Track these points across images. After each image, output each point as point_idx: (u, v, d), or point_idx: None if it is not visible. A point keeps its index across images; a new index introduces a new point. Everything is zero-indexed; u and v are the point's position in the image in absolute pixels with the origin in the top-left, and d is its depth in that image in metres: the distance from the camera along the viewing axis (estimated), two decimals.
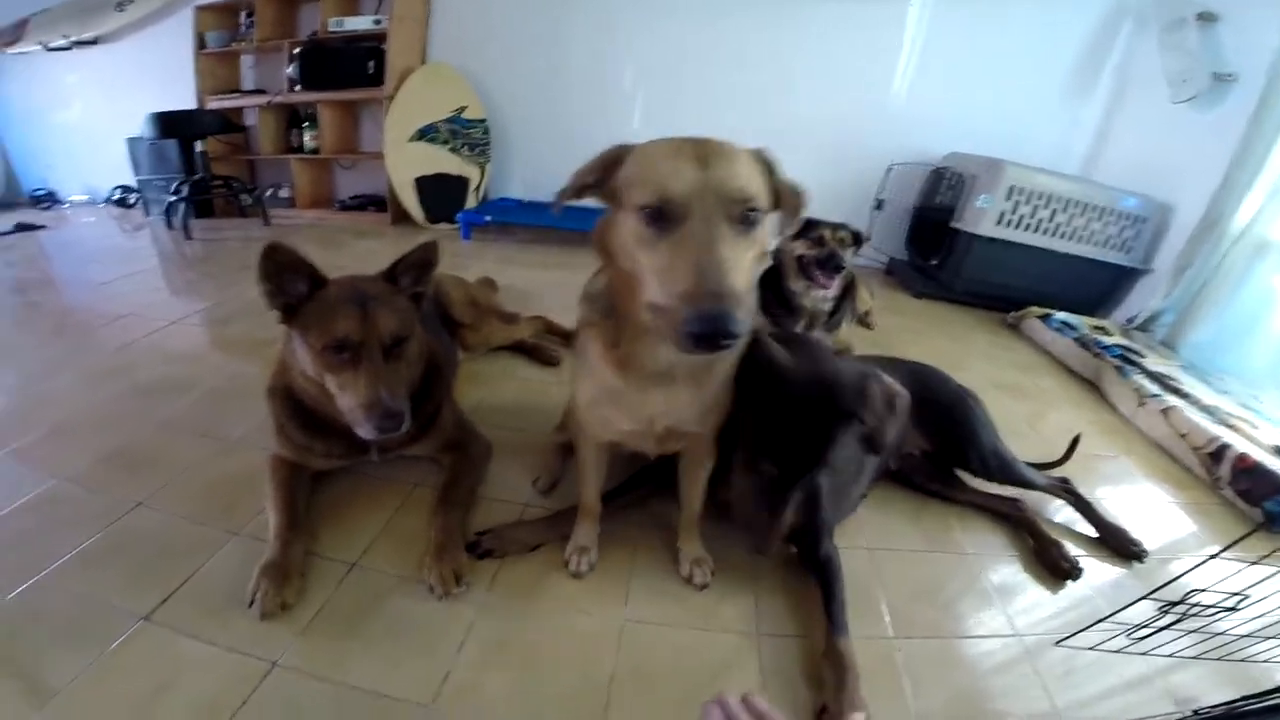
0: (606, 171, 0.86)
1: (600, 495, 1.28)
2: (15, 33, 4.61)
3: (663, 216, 0.75)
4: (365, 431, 1.13)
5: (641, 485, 1.42)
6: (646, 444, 1.10)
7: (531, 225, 3.93)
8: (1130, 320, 2.88)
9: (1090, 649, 1.11)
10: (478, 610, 1.13)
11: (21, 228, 3.90)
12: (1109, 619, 1.04)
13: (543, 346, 2.13)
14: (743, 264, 0.75)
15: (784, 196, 0.88)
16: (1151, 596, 1.00)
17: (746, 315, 0.72)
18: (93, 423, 1.65)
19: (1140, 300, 3.01)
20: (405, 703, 0.96)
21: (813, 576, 1.19)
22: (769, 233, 0.86)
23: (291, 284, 1.16)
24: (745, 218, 0.77)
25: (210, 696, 0.94)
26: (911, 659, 1.11)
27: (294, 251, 1.14)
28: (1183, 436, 1.85)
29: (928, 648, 1.14)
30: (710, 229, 0.73)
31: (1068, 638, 1.13)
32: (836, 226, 2.16)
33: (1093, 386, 2.34)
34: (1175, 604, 0.95)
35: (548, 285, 2.86)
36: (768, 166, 0.86)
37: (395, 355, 1.18)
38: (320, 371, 1.15)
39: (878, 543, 1.38)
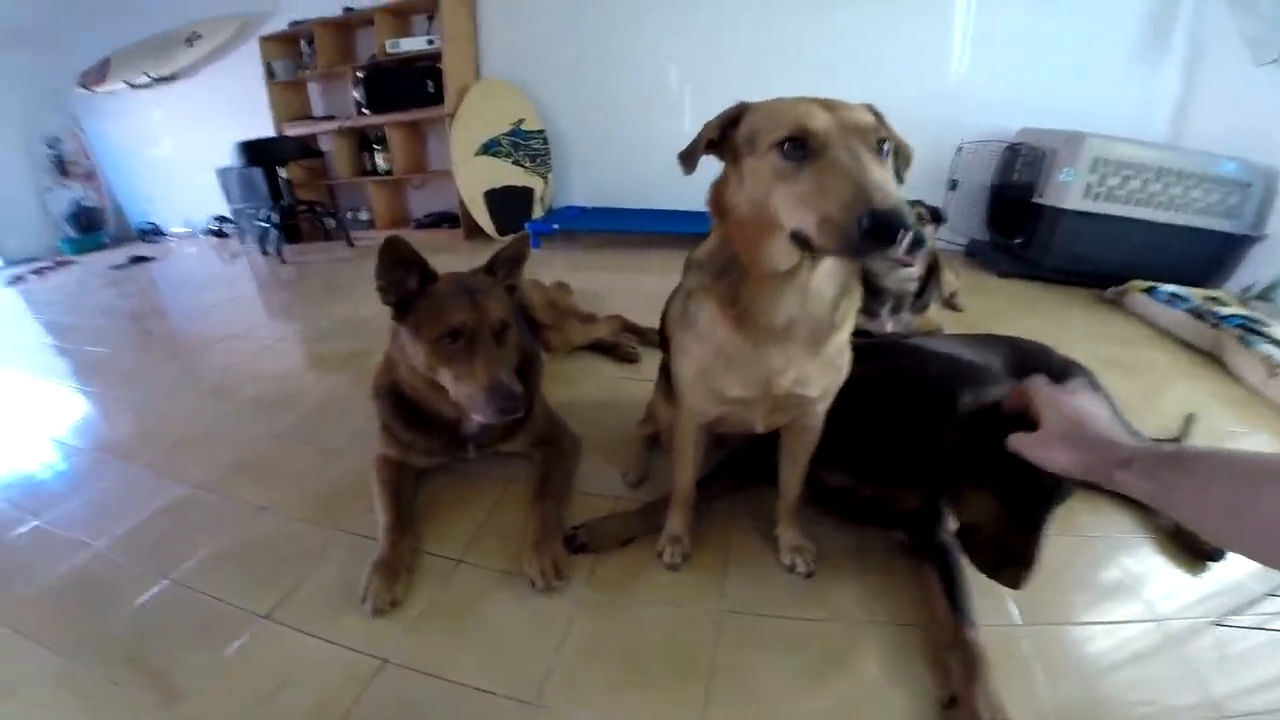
0: (725, 129, 0.87)
1: (695, 482, 1.25)
2: (100, 72, 4.97)
3: (804, 149, 0.75)
4: (486, 415, 1.15)
5: (731, 474, 1.39)
6: (755, 414, 1.05)
7: (597, 231, 3.98)
8: (1247, 289, 2.67)
9: (1254, 629, 1.01)
10: (576, 605, 1.13)
11: (135, 260, 4.23)
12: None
13: (622, 344, 2.15)
14: (889, 180, 0.73)
15: (898, 146, 0.87)
16: None
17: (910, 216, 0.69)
18: (211, 436, 1.77)
19: (1255, 269, 2.79)
20: (510, 700, 0.96)
21: (930, 564, 1.13)
22: None
23: (404, 279, 1.20)
24: (880, 148, 0.77)
25: (325, 693, 0.97)
26: (1041, 647, 1.04)
27: (409, 245, 1.18)
28: None
29: (1059, 635, 1.07)
30: (858, 152, 0.73)
31: (1226, 616, 1.04)
32: (914, 203, 2.09)
33: (1211, 359, 2.16)
34: None
35: (617, 287, 2.90)
36: (877, 115, 0.85)
37: (503, 342, 1.22)
38: (433, 364, 1.18)
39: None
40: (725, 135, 0.87)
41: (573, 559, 1.22)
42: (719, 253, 0.95)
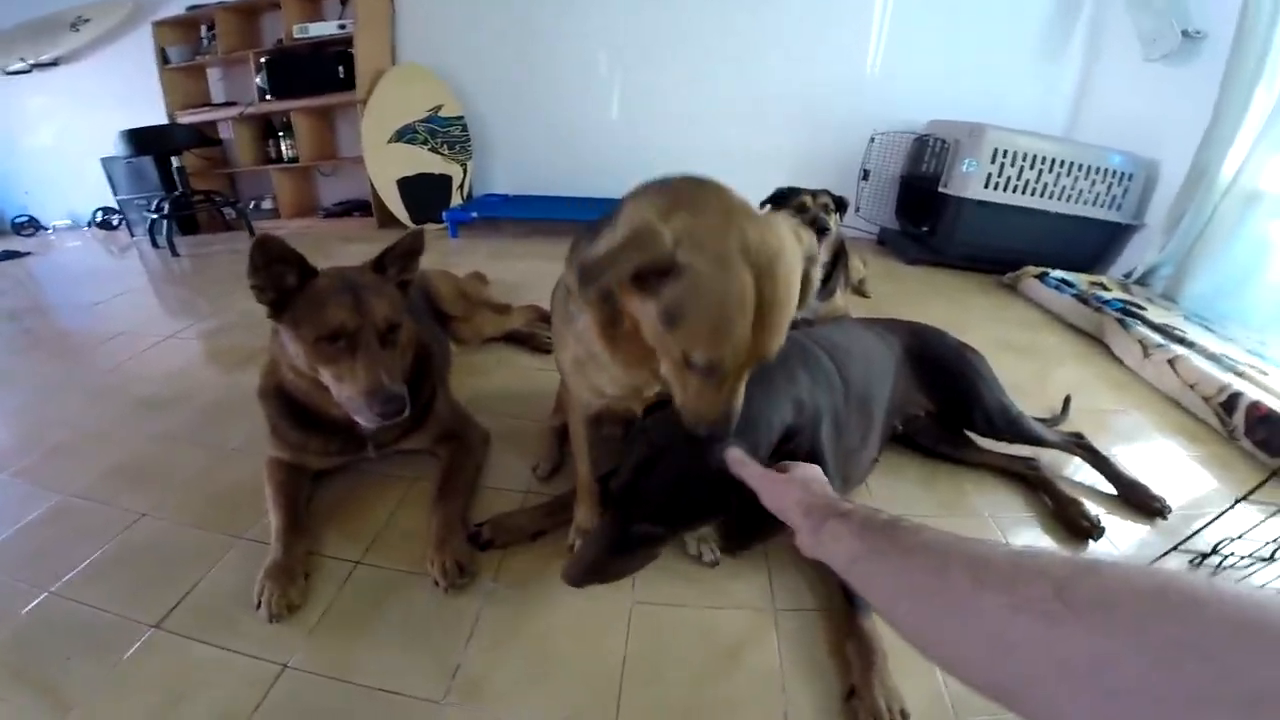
0: (640, 272, 0.73)
1: (597, 475, 1.22)
2: None
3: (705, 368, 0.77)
4: (367, 419, 1.12)
5: None
6: (636, 407, 1.06)
7: (519, 219, 3.90)
8: (1128, 275, 2.87)
9: None
10: (484, 601, 1.11)
11: (7, 255, 3.85)
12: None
13: (537, 335, 2.10)
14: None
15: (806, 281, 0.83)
16: (1181, 548, 0.96)
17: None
18: (93, 440, 1.63)
19: (1135, 255, 3.01)
20: (417, 699, 0.94)
21: None
22: None
23: (281, 276, 1.14)
24: None
25: (225, 701, 0.93)
26: None
27: (284, 243, 1.12)
28: (1192, 387, 1.81)
29: None
30: (737, 383, 0.80)
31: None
32: (816, 192, 2.15)
33: (1096, 341, 2.32)
34: (1207, 555, 0.92)
35: (540, 276, 2.79)
36: (808, 259, 0.82)
37: (389, 342, 1.17)
38: (314, 364, 1.13)
39: (890, 509, 1.33)
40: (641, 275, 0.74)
41: (479, 556, 1.19)
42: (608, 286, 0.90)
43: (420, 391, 1.34)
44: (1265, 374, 1.84)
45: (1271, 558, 0.91)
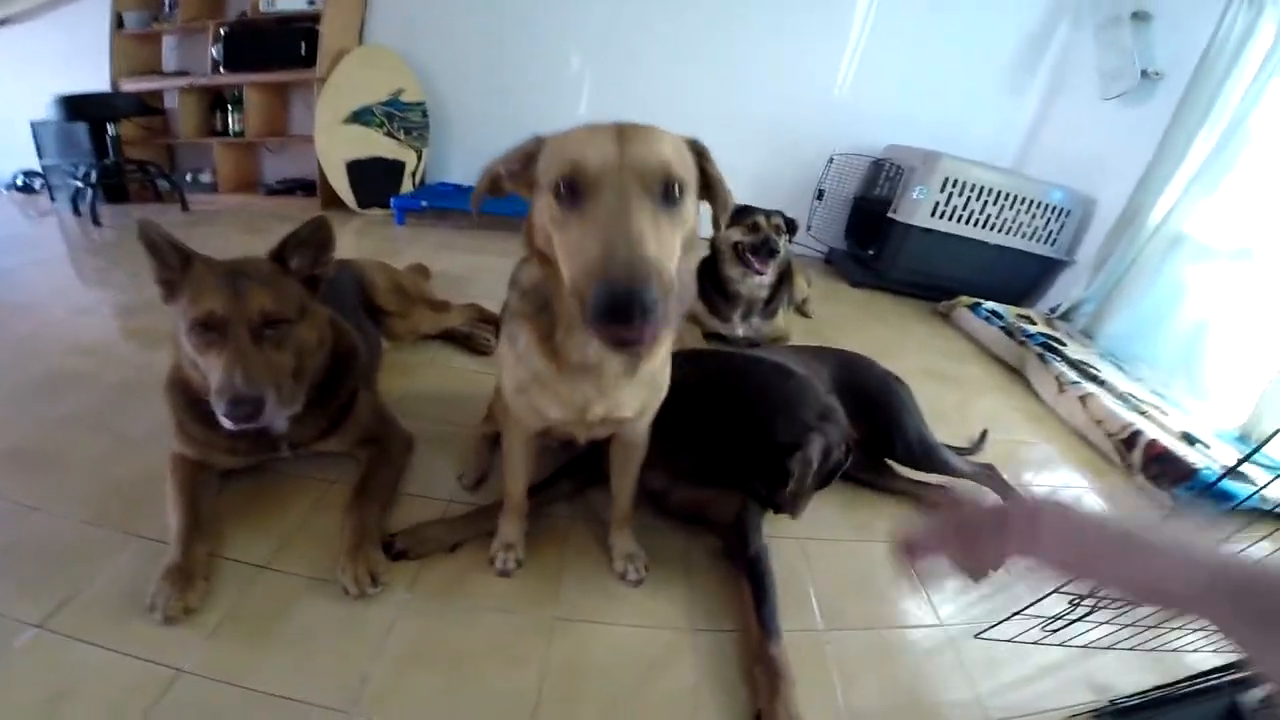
0: (524, 163, 0.82)
1: (527, 489, 1.23)
2: None
3: (575, 191, 0.70)
4: (223, 418, 1.04)
5: (570, 477, 1.38)
6: (576, 431, 1.06)
7: (470, 211, 3.80)
8: (1053, 310, 3.00)
9: (1007, 640, 1.13)
10: (398, 611, 1.08)
11: None
12: (1024, 612, 1.06)
13: (475, 335, 2.05)
14: (665, 239, 0.69)
15: (715, 188, 0.86)
16: (1061, 590, 1.02)
17: (668, 293, 0.64)
18: None
19: (1064, 290, 3.15)
20: (321, 708, 0.91)
21: (743, 575, 1.17)
22: (696, 216, 0.81)
23: (168, 260, 1.10)
24: (667, 192, 0.71)
25: (112, 703, 0.88)
26: (841, 651, 1.11)
27: (162, 229, 1.09)
28: (1099, 423, 1.93)
29: (857, 639, 1.15)
30: (624, 200, 0.67)
31: (985, 630, 1.15)
32: (770, 213, 2.19)
33: (1018, 374, 2.42)
34: (1085, 597, 0.98)
35: (486, 271, 2.78)
36: (698, 153, 0.83)
37: (270, 340, 1.10)
38: (192, 354, 1.08)
39: (809, 533, 1.38)
40: (525, 168, 0.82)
41: (393, 565, 1.15)
42: (539, 286, 0.92)
43: (339, 392, 1.29)
44: (1165, 414, 1.96)
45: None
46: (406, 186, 3.98)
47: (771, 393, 1.18)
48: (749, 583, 1.15)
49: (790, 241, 2.28)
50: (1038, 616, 1.05)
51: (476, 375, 1.90)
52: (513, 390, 1.02)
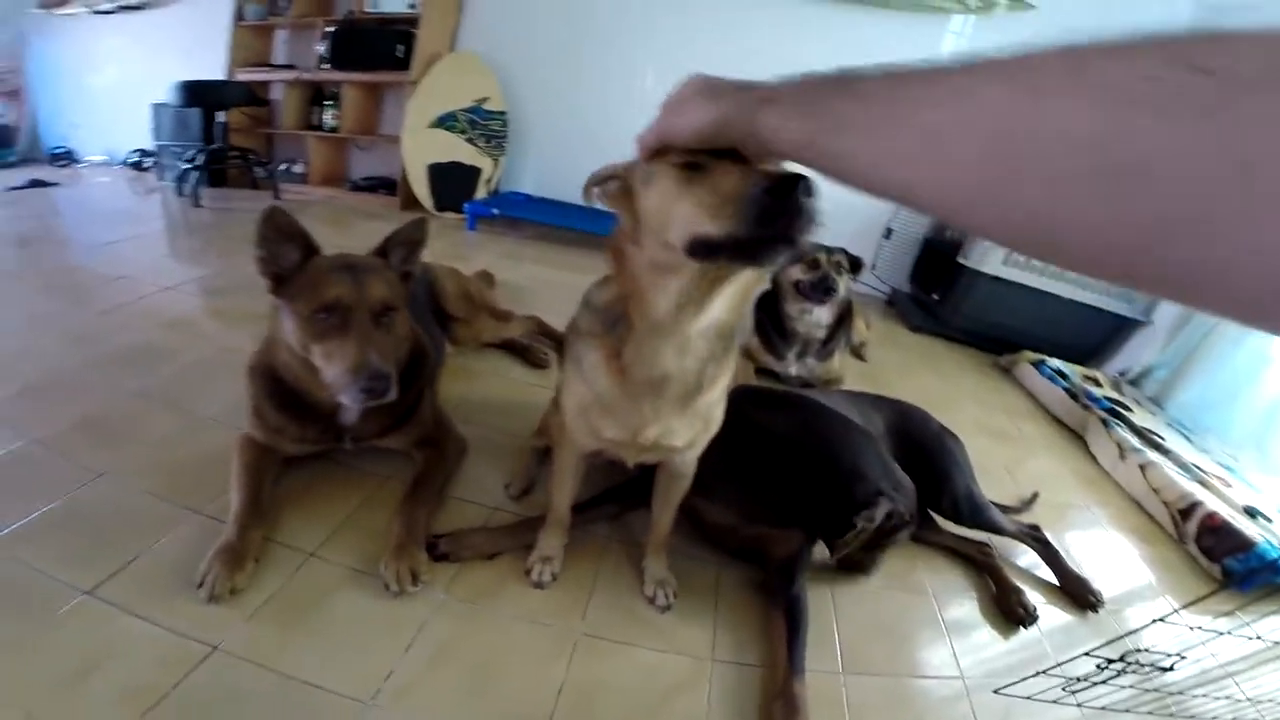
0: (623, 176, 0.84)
1: (571, 506, 1.27)
2: None
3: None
4: (352, 397, 1.12)
5: (612, 501, 1.42)
6: (627, 453, 1.09)
7: (539, 222, 3.92)
8: (1123, 373, 2.88)
9: (1027, 698, 1.11)
10: (432, 611, 1.12)
11: (35, 184, 3.90)
12: (1049, 671, 1.05)
13: (534, 348, 2.11)
14: None
15: None
16: (1091, 654, 1.01)
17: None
18: (68, 385, 1.61)
19: (1134, 353, 3.00)
20: (342, 697, 0.95)
21: (780, 613, 1.19)
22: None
23: (286, 252, 1.17)
24: None
25: (142, 676, 0.92)
26: (858, 695, 1.12)
27: (292, 218, 1.15)
28: (1156, 491, 1.86)
29: (875, 685, 1.15)
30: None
31: (1007, 686, 1.14)
32: (832, 250, 2.17)
33: (1076, 436, 2.34)
34: (1113, 661, 0.96)
35: (548, 284, 2.85)
36: None
37: (384, 325, 1.19)
38: (307, 341, 1.14)
39: (841, 579, 1.38)
40: (624, 180, 0.83)
41: (434, 566, 1.20)
42: (614, 306, 0.94)
43: (408, 390, 1.34)
44: (1229, 486, 1.88)
45: (1169, 668, 0.97)
46: (481, 193, 4.12)
47: (855, 453, 1.23)
48: (785, 619, 1.17)
49: (855, 280, 2.26)
50: (1060, 676, 1.03)
51: (532, 388, 1.96)
52: (573, 410, 1.06)
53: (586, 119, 4.09)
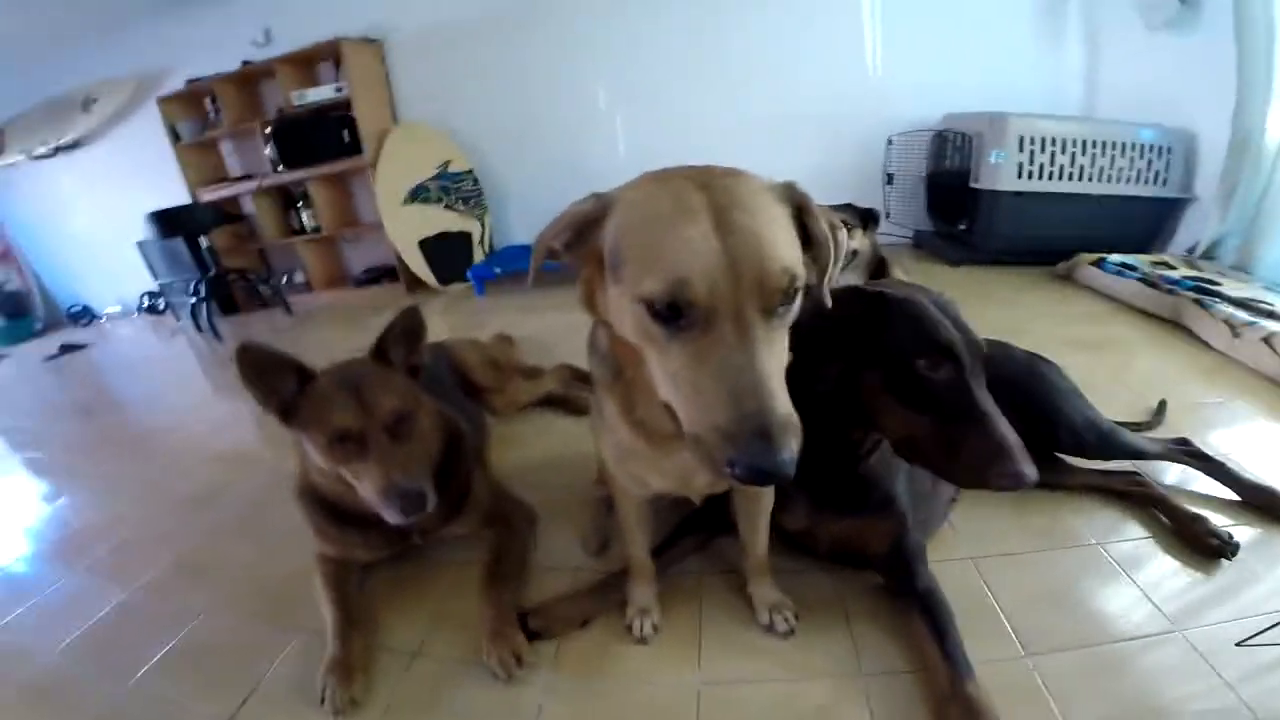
0: (580, 234, 0.70)
1: (650, 550, 1.16)
2: None
3: (680, 316, 0.58)
4: (392, 516, 1.07)
5: (692, 533, 1.28)
6: (689, 493, 0.99)
7: (545, 270, 3.83)
8: (1190, 250, 2.68)
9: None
10: (544, 692, 1.04)
11: (65, 349, 3.98)
12: None
13: (571, 397, 2.01)
14: (780, 364, 0.61)
15: (818, 247, 0.70)
16: None
17: (798, 442, 0.57)
18: (155, 535, 1.69)
19: (1194, 230, 2.82)
20: None
21: (915, 611, 1.03)
22: None
23: (278, 384, 1.11)
24: (785, 301, 0.60)
25: None
26: (1054, 677, 0.95)
27: (269, 349, 1.10)
28: None
29: (1070, 661, 0.98)
30: (744, 335, 0.57)
31: (1253, 637, 0.95)
32: (843, 207, 2.04)
33: (1174, 325, 2.13)
34: None
35: (571, 329, 2.63)
36: (798, 205, 0.68)
37: (403, 434, 1.13)
38: (332, 467, 1.10)
39: (980, 550, 1.21)
40: (582, 238, 0.70)
41: (533, 645, 1.11)
42: (611, 352, 0.82)
43: (453, 476, 1.29)
44: None
45: None
46: (478, 256, 4.07)
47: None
48: (923, 617, 1.01)
49: (874, 233, 2.12)
50: None
51: (581, 437, 1.84)
52: (613, 461, 0.97)
53: (552, 150, 4.06)
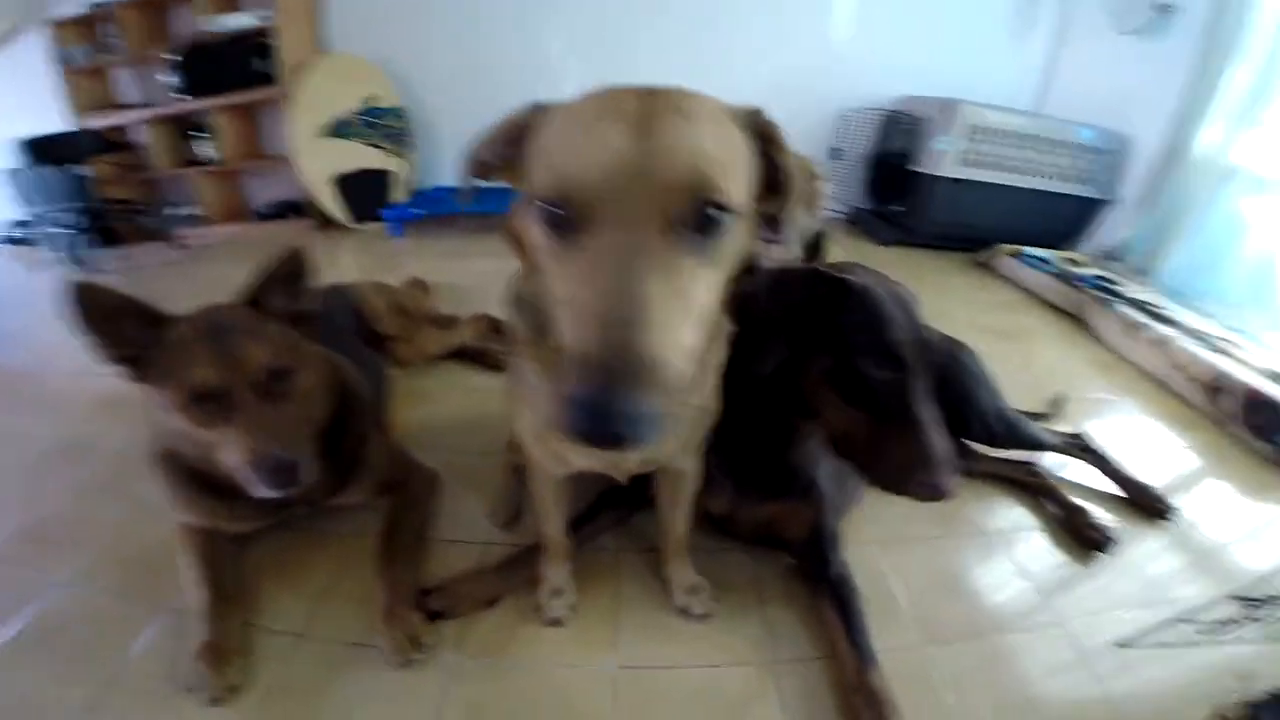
0: (514, 144, 0.62)
1: (566, 527, 1.09)
2: None
3: (567, 216, 0.51)
4: (257, 490, 0.92)
5: (611, 508, 1.23)
6: (617, 474, 0.92)
7: (475, 213, 3.65)
8: (1102, 251, 2.83)
9: (1160, 646, 0.99)
10: (448, 675, 0.97)
11: None
12: (1186, 621, 0.91)
13: (489, 350, 1.87)
14: (686, 299, 0.50)
15: (787, 181, 0.61)
16: (1238, 596, 0.88)
17: (667, 397, 0.46)
18: (7, 495, 1.44)
19: (1108, 232, 2.98)
20: None
21: (826, 598, 1.03)
22: (752, 235, 0.61)
23: (125, 332, 0.92)
24: (702, 222, 0.51)
25: None
26: (948, 666, 0.98)
27: (111, 291, 0.91)
28: (1182, 369, 1.76)
29: (963, 651, 1.01)
30: (631, 244, 0.48)
31: (1134, 639, 1.01)
32: None
33: (1077, 320, 2.26)
34: (1260, 601, 0.83)
35: (500, 276, 2.57)
36: (762, 134, 0.61)
37: (278, 394, 0.96)
38: (189, 431, 0.93)
39: (889, 533, 1.23)
40: (515, 149, 0.62)
41: (433, 625, 1.03)
42: (536, 300, 0.72)
43: (346, 438, 1.14)
44: (1243, 349, 1.82)
45: None
46: (400, 196, 3.82)
47: None
48: (833, 604, 1.02)
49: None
50: (1192, 622, 0.90)
51: (496, 395, 1.73)
52: (531, 435, 0.87)
53: (496, 96, 3.68)
